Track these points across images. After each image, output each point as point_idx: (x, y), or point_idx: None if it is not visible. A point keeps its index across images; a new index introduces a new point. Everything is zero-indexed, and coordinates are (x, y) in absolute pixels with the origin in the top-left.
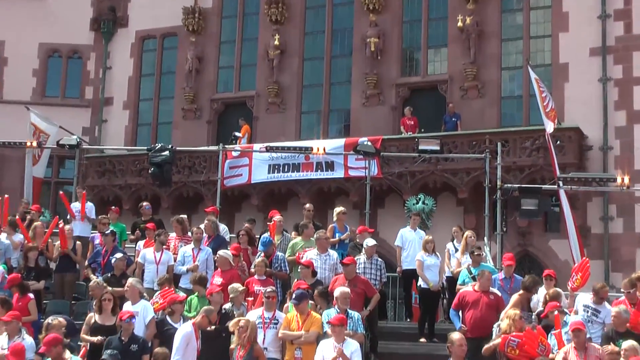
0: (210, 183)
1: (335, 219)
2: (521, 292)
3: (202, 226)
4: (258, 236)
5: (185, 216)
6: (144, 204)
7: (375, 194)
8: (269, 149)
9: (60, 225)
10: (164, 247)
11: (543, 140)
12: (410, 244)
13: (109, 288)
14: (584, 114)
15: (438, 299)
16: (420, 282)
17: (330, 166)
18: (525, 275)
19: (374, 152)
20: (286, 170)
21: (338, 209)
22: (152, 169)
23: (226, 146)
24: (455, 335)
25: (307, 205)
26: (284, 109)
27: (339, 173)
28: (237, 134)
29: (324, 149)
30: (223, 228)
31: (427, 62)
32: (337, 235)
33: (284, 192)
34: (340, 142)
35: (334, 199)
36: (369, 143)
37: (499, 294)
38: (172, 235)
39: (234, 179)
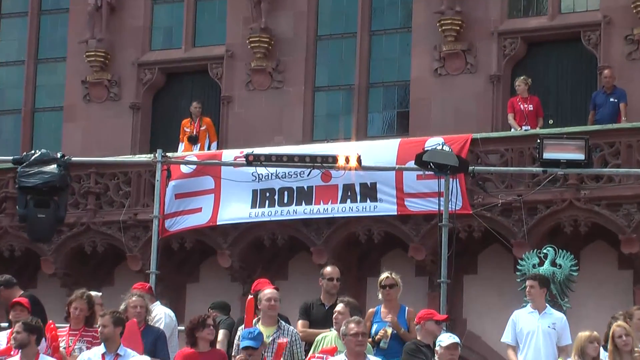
0: (139, 226)
1: (380, 295)
2: None
3: (121, 309)
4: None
5: (99, 294)
6: None
7: (459, 246)
8: (251, 160)
9: None
10: (49, 348)
11: None
12: (530, 338)
13: None
14: None
15: None
16: None
17: (369, 192)
18: None
19: (457, 166)
20: (286, 201)
21: (383, 276)
22: (25, 199)
23: (169, 154)
24: None
25: (328, 270)
26: (280, 83)
27: (386, 206)
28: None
29: (358, 160)
30: (167, 315)
31: None
32: (374, 327)
33: (282, 243)
34: (390, 145)
35: (379, 257)
36: (447, 148)
37: None
38: (64, 328)
39: (184, 217)
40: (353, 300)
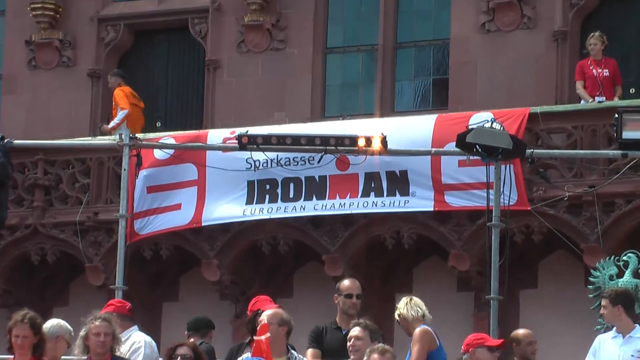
0: (101, 229)
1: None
2: None
3: (80, 338)
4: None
5: (67, 327)
6: None
7: (514, 253)
8: (245, 143)
9: None
10: None
11: None
12: None
13: None
14: None
15: None
16: None
17: (399, 184)
18: None
19: (510, 149)
20: (292, 195)
21: (405, 303)
22: None
23: (139, 136)
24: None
25: (346, 284)
26: (282, 43)
27: (420, 201)
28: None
29: (384, 142)
30: (147, 345)
31: None
32: None
33: (286, 250)
34: (425, 123)
35: (410, 268)
36: (498, 125)
37: None
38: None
39: (160, 216)
40: (371, 322)
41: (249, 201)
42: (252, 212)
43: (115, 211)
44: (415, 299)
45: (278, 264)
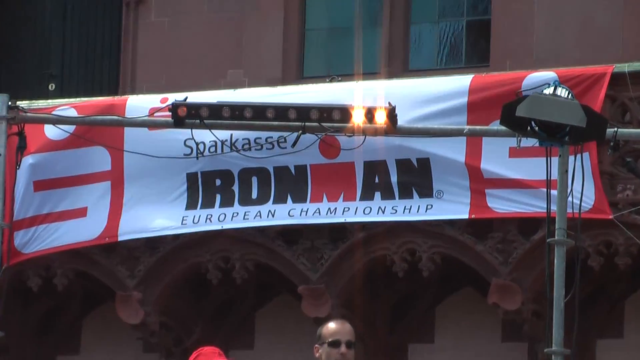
0: None
1: None
2: None
3: None
4: None
5: None
6: None
7: (588, 284)
8: (182, 116)
9: None
10: None
11: None
12: None
13: None
14: None
15: None
16: None
17: (416, 178)
18: None
19: (583, 127)
20: (255, 195)
21: None
22: None
23: (23, 104)
24: None
25: (333, 328)
26: None
27: (450, 204)
28: None
29: (391, 115)
30: None
31: None
32: None
33: (245, 278)
34: (455, 87)
35: (432, 305)
36: (564, 91)
37: None
38: None
39: (54, 227)
40: None
41: (191, 205)
42: (196, 220)
43: None
44: None
45: (232, 299)
